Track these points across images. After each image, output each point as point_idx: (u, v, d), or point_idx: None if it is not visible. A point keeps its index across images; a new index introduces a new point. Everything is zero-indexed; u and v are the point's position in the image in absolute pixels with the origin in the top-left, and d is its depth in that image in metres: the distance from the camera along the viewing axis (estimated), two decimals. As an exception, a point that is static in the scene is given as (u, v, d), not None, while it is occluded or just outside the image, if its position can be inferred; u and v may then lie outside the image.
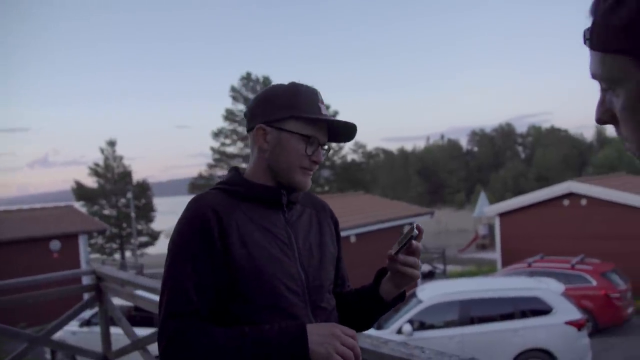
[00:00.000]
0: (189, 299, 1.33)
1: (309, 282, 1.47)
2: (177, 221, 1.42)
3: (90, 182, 40.51)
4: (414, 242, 1.44)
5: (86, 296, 4.87)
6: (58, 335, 6.61)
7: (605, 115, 0.76)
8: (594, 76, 0.74)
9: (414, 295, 9.71)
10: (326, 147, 1.54)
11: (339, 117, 1.54)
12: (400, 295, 1.59)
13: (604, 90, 0.75)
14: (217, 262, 1.36)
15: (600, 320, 12.14)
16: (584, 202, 17.40)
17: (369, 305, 1.60)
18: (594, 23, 0.70)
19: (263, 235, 1.43)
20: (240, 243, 1.38)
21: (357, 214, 18.03)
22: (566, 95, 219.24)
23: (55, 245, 17.24)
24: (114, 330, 4.69)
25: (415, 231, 1.41)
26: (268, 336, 1.30)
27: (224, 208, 1.41)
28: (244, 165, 1.61)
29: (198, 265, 1.35)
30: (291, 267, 1.43)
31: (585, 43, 0.73)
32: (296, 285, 1.44)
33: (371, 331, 1.86)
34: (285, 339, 1.30)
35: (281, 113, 1.46)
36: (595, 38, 0.70)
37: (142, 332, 4.50)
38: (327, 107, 1.57)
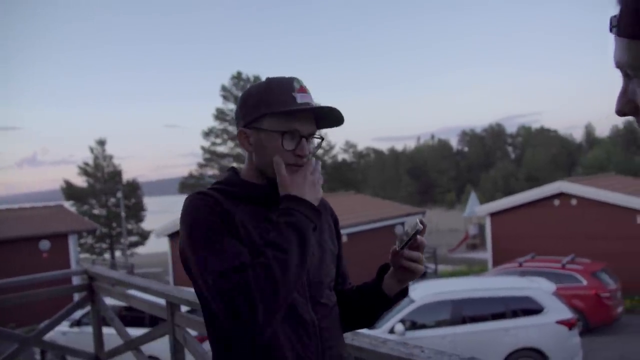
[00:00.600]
0: (233, 256, 1.30)
1: (309, 279, 1.46)
2: (183, 215, 1.39)
3: (80, 181, 40.39)
4: (418, 237, 1.43)
5: (76, 296, 4.83)
6: (48, 336, 6.54)
7: (626, 106, 0.74)
8: (619, 64, 0.73)
9: (408, 293, 9.70)
10: (317, 137, 1.52)
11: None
12: (403, 291, 1.59)
13: (627, 79, 0.73)
14: (237, 237, 1.36)
15: (591, 319, 12.20)
16: (574, 202, 17.50)
17: (372, 301, 1.60)
18: (621, 9, 0.69)
19: (265, 232, 1.41)
20: (246, 236, 1.38)
21: (348, 214, 18.04)
22: (556, 96, 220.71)
23: (44, 245, 17.11)
24: (105, 330, 4.65)
25: (420, 225, 1.41)
26: (291, 225, 1.34)
27: (224, 204, 1.40)
28: (234, 165, 1.58)
29: (223, 235, 1.34)
30: None
31: (611, 30, 0.72)
32: None
33: (363, 330, 1.85)
34: (295, 213, 1.36)
35: (255, 113, 1.45)
36: (622, 24, 0.70)
37: (133, 332, 4.47)
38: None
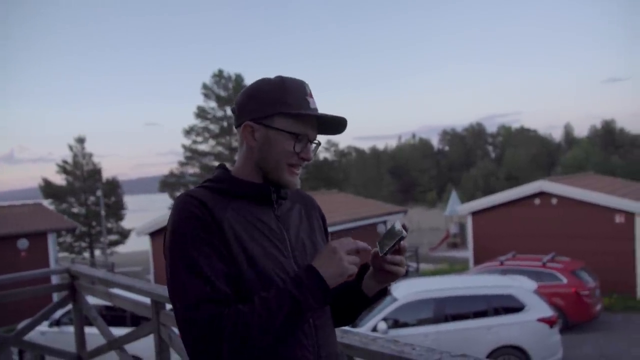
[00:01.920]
0: (208, 285, 1.28)
1: None
2: (171, 217, 1.37)
3: (59, 179, 39.80)
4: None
5: (55, 296, 4.77)
6: (27, 336, 6.45)
7: None
8: None
9: (388, 293, 9.73)
10: (316, 142, 1.51)
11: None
12: (382, 291, 1.58)
13: None
14: (221, 251, 1.33)
15: (571, 317, 12.35)
16: (554, 201, 17.66)
17: (351, 300, 1.59)
18: None
19: (255, 231, 1.41)
20: (235, 238, 1.35)
21: (331, 213, 18.05)
22: (535, 96, 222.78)
23: (23, 243, 16.87)
24: (85, 330, 4.59)
25: (404, 232, 1.39)
26: (289, 293, 1.29)
27: (214, 204, 1.38)
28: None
29: (207, 252, 1.31)
30: (285, 262, 1.41)
31: None
32: None
33: (352, 328, 1.85)
34: (302, 285, 1.30)
35: (268, 110, 1.43)
36: None
37: (114, 332, 4.41)
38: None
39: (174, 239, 1.34)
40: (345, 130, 1.53)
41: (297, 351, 1.39)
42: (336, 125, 1.50)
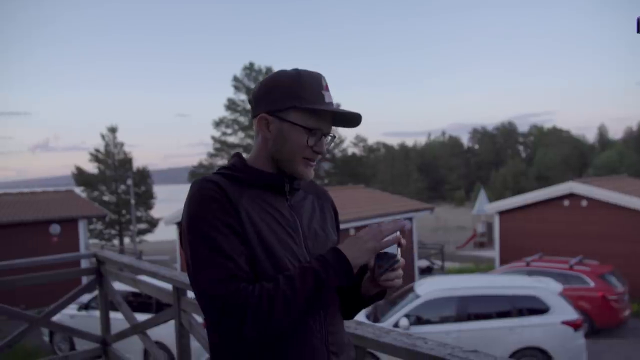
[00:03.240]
0: (231, 262, 1.31)
1: None
2: (188, 201, 1.40)
3: (91, 167, 40.58)
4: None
5: (84, 280, 4.88)
6: (57, 318, 6.61)
7: None
8: None
9: (412, 289, 9.73)
10: (331, 135, 1.53)
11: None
12: (380, 293, 1.58)
13: None
14: (239, 233, 1.36)
15: (597, 321, 12.14)
16: (584, 203, 17.38)
17: (349, 298, 1.61)
18: None
19: (269, 218, 1.43)
20: (250, 223, 1.38)
21: (357, 207, 18.05)
22: (569, 96, 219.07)
23: (55, 229, 17.23)
24: (112, 315, 4.70)
25: (399, 256, 1.38)
26: (313, 271, 1.32)
27: (230, 190, 1.40)
28: (245, 155, 1.57)
29: (227, 233, 1.34)
30: (297, 250, 1.44)
31: (638, 31, 0.73)
32: None
33: (359, 320, 1.86)
34: (327, 264, 1.33)
35: (283, 103, 1.44)
36: None
37: (139, 317, 4.51)
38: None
39: (193, 222, 1.36)
40: (361, 124, 1.53)
41: (307, 337, 1.41)
42: (351, 119, 1.51)
